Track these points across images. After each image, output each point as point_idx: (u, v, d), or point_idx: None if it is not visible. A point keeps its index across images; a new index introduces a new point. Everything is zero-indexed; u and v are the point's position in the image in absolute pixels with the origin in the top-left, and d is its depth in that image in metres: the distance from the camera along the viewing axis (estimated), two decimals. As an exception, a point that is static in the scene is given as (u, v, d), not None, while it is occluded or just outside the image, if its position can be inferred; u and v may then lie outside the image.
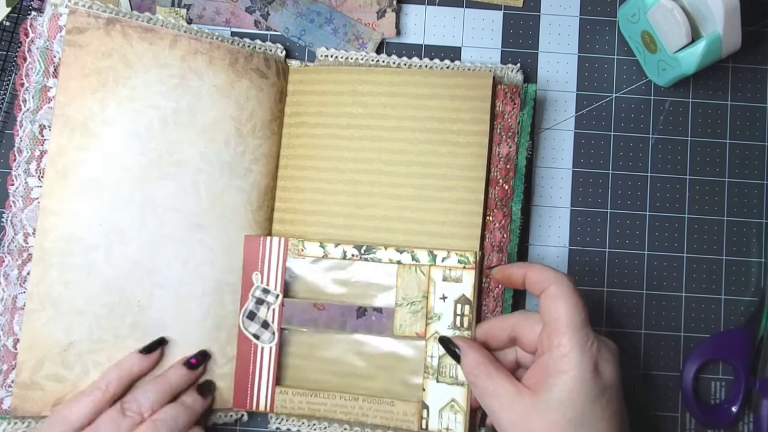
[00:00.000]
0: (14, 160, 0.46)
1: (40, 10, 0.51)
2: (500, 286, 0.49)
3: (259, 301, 0.49)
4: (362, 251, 0.48)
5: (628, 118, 0.53)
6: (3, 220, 0.49)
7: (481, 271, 0.49)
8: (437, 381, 0.47)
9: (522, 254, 0.52)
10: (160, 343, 0.47)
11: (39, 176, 0.46)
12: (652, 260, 0.53)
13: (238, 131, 0.49)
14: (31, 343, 0.45)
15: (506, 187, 0.49)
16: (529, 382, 0.41)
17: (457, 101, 0.49)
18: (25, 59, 0.46)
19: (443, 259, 0.48)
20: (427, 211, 0.49)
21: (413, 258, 0.48)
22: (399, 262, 0.48)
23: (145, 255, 0.47)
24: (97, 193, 0.46)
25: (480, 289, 0.49)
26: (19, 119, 0.46)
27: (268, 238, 0.49)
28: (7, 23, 0.51)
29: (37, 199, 0.46)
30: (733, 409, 0.51)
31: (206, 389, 0.48)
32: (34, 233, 0.46)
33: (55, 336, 0.45)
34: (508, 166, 0.49)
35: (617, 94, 0.54)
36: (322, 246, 0.49)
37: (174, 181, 0.47)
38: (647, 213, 0.53)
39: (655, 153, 0.53)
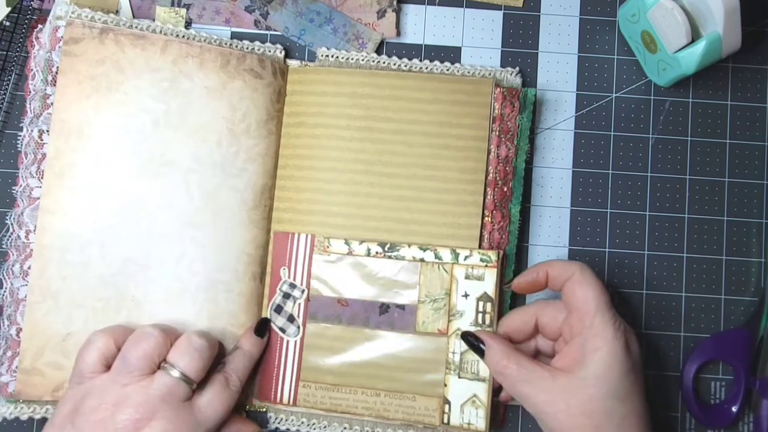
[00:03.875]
0: (21, 163, 0.49)
1: (40, 11, 0.51)
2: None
3: (286, 296, 0.50)
4: (386, 249, 0.49)
5: (628, 118, 0.53)
6: (5, 218, 0.50)
7: (503, 269, 0.49)
8: (459, 377, 0.48)
9: (521, 255, 0.52)
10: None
11: (39, 177, 0.48)
12: (652, 260, 0.53)
13: (231, 131, 0.49)
14: (33, 333, 0.47)
15: (505, 189, 0.50)
16: (560, 364, 0.44)
17: (458, 106, 0.50)
18: (31, 69, 0.49)
19: (466, 258, 0.49)
20: (427, 212, 0.49)
21: (436, 256, 0.49)
22: (422, 260, 0.49)
23: (139, 251, 0.48)
24: (91, 192, 0.48)
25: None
26: (24, 125, 0.49)
27: (296, 234, 0.50)
28: (7, 23, 0.51)
29: (38, 198, 0.48)
30: (733, 409, 0.51)
31: (263, 328, 0.49)
32: (34, 230, 0.48)
33: (54, 326, 0.47)
34: (507, 168, 0.50)
35: (617, 94, 0.54)
36: (347, 243, 0.49)
37: (166, 181, 0.49)
38: (647, 213, 0.53)
39: (655, 153, 0.53)
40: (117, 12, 0.51)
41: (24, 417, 0.48)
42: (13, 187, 0.49)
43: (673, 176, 0.53)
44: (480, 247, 0.49)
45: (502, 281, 0.49)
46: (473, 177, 0.50)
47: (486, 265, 0.49)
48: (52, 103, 0.48)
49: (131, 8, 0.51)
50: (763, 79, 0.54)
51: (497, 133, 0.50)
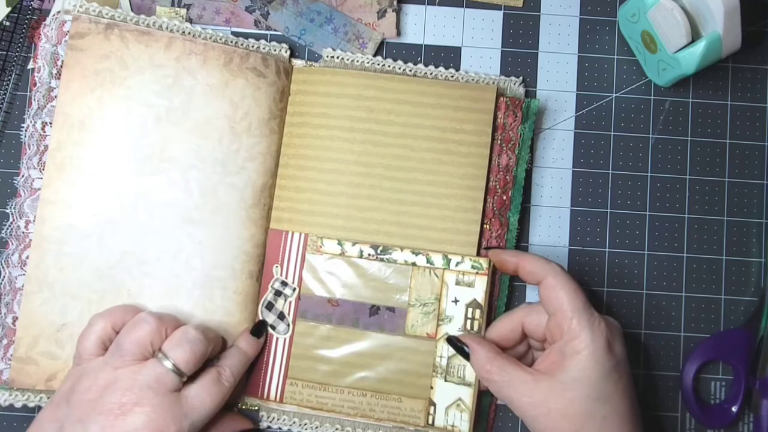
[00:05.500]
0: (24, 154, 0.49)
1: (40, 10, 0.52)
2: (495, 295, 0.50)
3: (278, 293, 0.50)
4: (378, 251, 0.49)
5: (628, 118, 0.53)
6: (6, 209, 0.50)
7: (494, 277, 0.50)
8: (445, 380, 0.49)
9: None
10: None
11: (40, 169, 0.49)
12: (652, 260, 0.53)
13: (232, 129, 0.49)
14: (28, 322, 0.48)
15: (504, 198, 0.50)
16: (542, 367, 0.44)
17: (461, 112, 0.50)
18: (38, 62, 0.50)
19: (457, 264, 0.49)
20: (426, 217, 0.49)
21: (428, 261, 0.49)
22: (414, 264, 0.49)
23: (136, 246, 0.48)
24: (91, 185, 0.48)
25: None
26: (28, 117, 0.49)
27: (290, 232, 0.50)
28: (7, 23, 0.51)
29: (39, 189, 0.48)
30: (733, 409, 0.51)
31: (260, 330, 0.49)
32: (34, 221, 0.48)
33: (50, 316, 0.48)
34: (507, 177, 0.50)
35: (617, 94, 0.54)
36: (339, 244, 0.49)
37: (166, 177, 0.49)
38: (647, 213, 0.53)
39: (655, 153, 0.53)
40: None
41: (18, 404, 0.48)
42: (15, 178, 0.49)
43: (673, 176, 0.53)
44: (477, 254, 0.49)
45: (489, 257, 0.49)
46: (474, 184, 0.49)
47: (477, 272, 0.49)
48: (56, 96, 0.48)
49: (131, 8, 0.51)
50: (763, 79, 0.54)
51: (499, 141, 0.50)
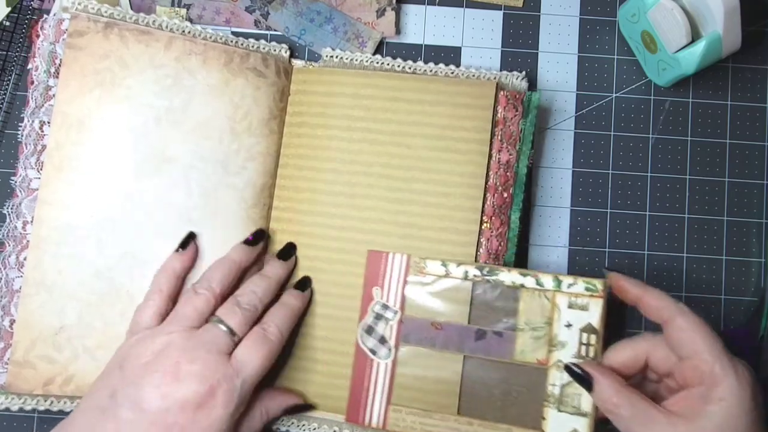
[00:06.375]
0: (21, 153, 0.49)
1: (40, 10, 0.52)
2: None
3: (378, 317, 0.48)
4: (484, 272, 0.47)
5: (628, 118, 0.53)
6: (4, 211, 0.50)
7: (610, 300, 0.46)
8: (559, 410, 0.45)
9: (522, 255, 0.52)
10: (191, 237, 0.48)
11: (38, 169, 0.48)
12: (652, 260, 0.53)
13: (233, 129, 0.49)
14: (26, 325, 0.47)
15: (505, 195, 0.49)
16: (677, 409, 0.41)
17: (460, 108, 0.49)
18: (35, 60, 0.49)
19: (569, 285, 0.46)
20: (425, 216, 0.49)
21: (537, 282, 0.46)
22: (522, 286, 0.46)
23: (135, 246, 0.48)
24: (90, 186, 0.48)
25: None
26: (25, 116, 0.49)
27: (390, 253, 0.48)
28: (7, 23, 0.51)
29: (36, 189, 0.48)
30: (734, 409, 0.51)
31: (304, 283, 0.49)
32: (32, 221, 0.48)
33: (47, 319, 0.47)
34: (507, 174, 0.49)
35: (617, 94, 0.54)
36: (444, 265, 0.47)
37: (166, 177, 0.49)
38: (647, 213, 0.53)
39: (655, 153, 0.53)
40: (116, 12, 0.51)
41: (14, 408, 0.47)
42: (12, 178, 0.49)
43: (673, 176, 0.53)
44: (477, 253, 0.48)
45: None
46: (473, 182, 0.49)
47: (591, 295, 0.45)
48: (53, 95, 0.48)
49: (131, 8, 0.51)
50: (763, 79, 0.54)
51: (499, 137, 0.49)
